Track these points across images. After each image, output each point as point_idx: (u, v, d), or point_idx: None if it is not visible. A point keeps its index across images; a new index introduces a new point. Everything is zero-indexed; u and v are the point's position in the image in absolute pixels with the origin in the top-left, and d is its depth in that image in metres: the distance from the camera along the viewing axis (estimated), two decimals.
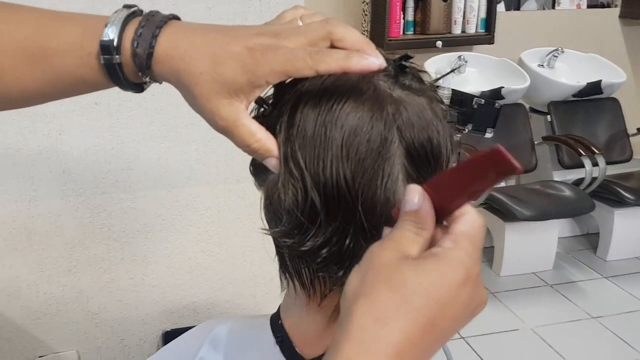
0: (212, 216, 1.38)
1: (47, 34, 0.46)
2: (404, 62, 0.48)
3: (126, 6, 0.46)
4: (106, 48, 0.44)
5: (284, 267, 0.51)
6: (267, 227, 0.50)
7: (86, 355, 1.39)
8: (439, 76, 0.52)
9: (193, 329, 0.65)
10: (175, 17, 0.46)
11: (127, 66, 0.44)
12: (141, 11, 0.46)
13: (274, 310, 0.61)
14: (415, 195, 0.38)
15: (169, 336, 1.41)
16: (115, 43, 0.43)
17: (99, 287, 1.35)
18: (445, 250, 0.37)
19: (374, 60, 0.42)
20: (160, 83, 0.46)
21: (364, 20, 3.21)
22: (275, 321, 0.59)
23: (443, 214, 0.39)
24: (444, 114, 0.48)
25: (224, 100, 0.42)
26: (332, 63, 0.41)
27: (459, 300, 0.36)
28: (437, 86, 0.52)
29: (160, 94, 1.27)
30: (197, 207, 1.36)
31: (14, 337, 1.33)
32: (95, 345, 1.39)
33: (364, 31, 3.23)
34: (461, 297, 0.36)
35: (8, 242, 1.26)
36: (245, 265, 1.44)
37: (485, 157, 0.36)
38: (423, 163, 0.46)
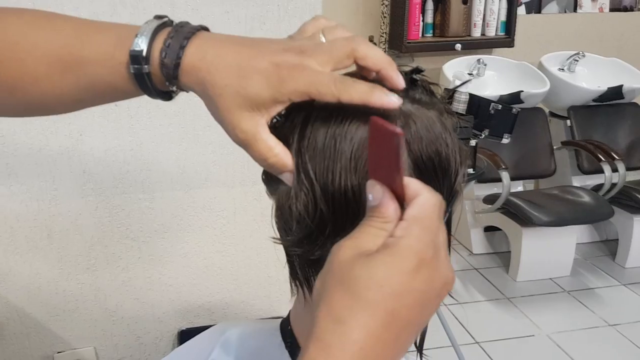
0: (228, 217, 1.39)
1: (82, 42, 0.47)
2: (414, 76, 0.48)
3: (157, 17, 0.47)
4: (135, 58, 0.45)
5: (294, 275, 0.52)
6: (278, 235, 0.51)
7: (103, 352, 1.41)
8: (451, 88, 0.53)
9: (205, 331, 0.66)
10: (204, 28, 0.47)
11: (155, 76, 0.45)
12: (171, 22, 0.47)
13: (287, 311, 0.62)
14: (372, 191, 0.39)
15: (185, 335, 1.43)
16: (144, 53, 0.45)
17: (116, 285, 1.37)
18: (395, 240, 0.37)
19: (394, 100, 0.42)
20: (188, 92, 0.48)
21: (383, 23, 3.21)
22: (285, 327, 0.59)
23: (399, 199, 0.39)
24: (454, 127, 0.49)
25: (245, 114, 0.43)
26: (354, 95, 0.42)
27: (416, 286, 0.36)
28: (450, 97, 0.53)
29: (178, 96, 1.28)
30: (213, 208, 1.38)
31: (33, 333, 1.35)
32: (112, 343, 1.41)
33: (383, 33, 3.23)
34: (417, 283, 0.36)
35: (29, 239, 1.29)
36: (260, 267, 1.45)
37: (370, 132, 0.38)
38: (431, 176, 0.47)
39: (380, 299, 0.35)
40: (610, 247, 3.33)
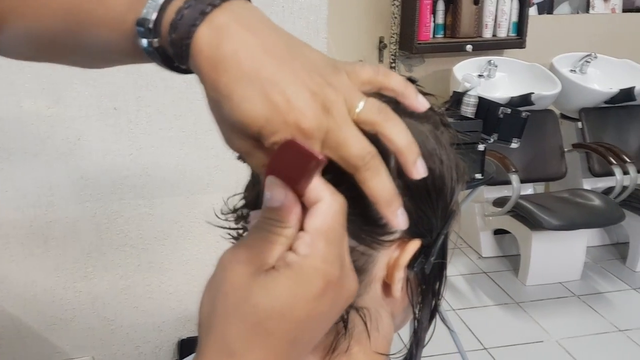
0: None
1: (95, 1, 0.41)
2: None
3: None
4: (143, 29, 0.37)
5: None
6: None
7: None
8: (455, 94, 0.49)
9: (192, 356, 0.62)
10: None
11: (166, 49, 0.38)
12: None
13: None
14: (272, 189, 0.35)
15: (185, 344, 1.40)
16: (151, 24, 0.37)
17: (114, 293, 1.34)
18: (299, 260, 0.33)
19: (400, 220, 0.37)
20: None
21: (394, 23, 3.17)
22: None
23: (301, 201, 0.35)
24: (451, 140, 0.45)
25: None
26: (372, 183, 0.36)
27: (320, 310, 0.34)
28: (453, 104, 0.48)
29: (180, 99, 1.25)
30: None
31: (30, 342, 1.33)
32: (110, 352, 1.38)
33: (393, 34, 3.19)
34: (322, 307, 0.34)
35: (25, 247, 1.26)
36: None
37: (282, 149, 0.33)
38: (423, 197, 0.43)
39: (282, 329, 0.33)
40: (620, 251, 3.28)
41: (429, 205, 0.43)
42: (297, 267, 0.33)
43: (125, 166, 1.26)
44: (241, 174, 1.51)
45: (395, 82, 0.40)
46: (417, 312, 0.47)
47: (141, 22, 0.37)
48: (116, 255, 1.32)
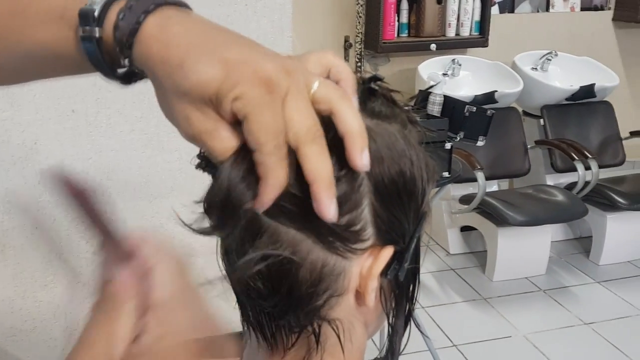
0: None
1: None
2: (373, 85, 0.43)
3: None
4: (85, 17, 0.37)
5: (245, 317, 0.45)
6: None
7: None
8: (421, 92, 0.48)
9: None
10: (187, 7, 0.39)
11: (107, 43, 0.37)
12: None
13: None
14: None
15: None
16: (96, 13, 0.37)
17: (77, 302, 1.30)
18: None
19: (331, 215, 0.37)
20: (140, 77, 0.40)
21: (359, 22, 3.17)
22: None
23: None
24: (420, 138, 0.44)
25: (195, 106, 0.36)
26: (314, 166, 0.36)
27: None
28: (420, 102, 0.47)
29: (141, 100, 1.22)
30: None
31: None
32: None
33: (359, 33, 3.19)
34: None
35: None
36: None
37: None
38: (394, 201, 0.41)
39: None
40: (584, 245, 3.35)
41: (401, 209, 0.42)
42: None
43: (85, 171, 1.22)
44: (206, 177, 1.47)
45: (343, 65, 0.40)
46: (391, 319, 0.45)
47: (86, 11, 0.37)
48: (78, 262, 1.27)
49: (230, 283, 0.43)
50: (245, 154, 0.36)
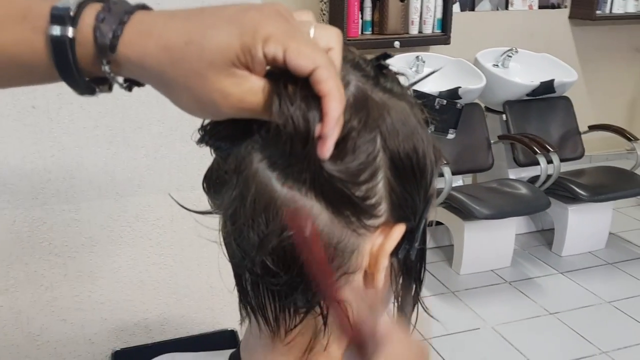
0: (164, 226, 1.29)
1: None
2: (383, 62, 0.41)
3: None
4: (59, 16, 0.34)
5: (245, 300, 0.43)
6: (228, 257, 0.43)
7: None
8: (416, 79, 0.47)
9: None
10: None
11: (81, 46, 0.35)
12: None
13: (232, 324, 0.54)
14: None
15: (119, 356, 1.32)
16: (72, 12, 0.34)
17: (40, 306, 1.24)
18: None
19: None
20: (108, 85, 0.38)
21: (322, 20, 3.17)
22: None
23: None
24: (425, 121, 0.43)
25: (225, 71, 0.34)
26: (328, 87, 0.34)
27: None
28: (415, 90, 0.47)
29: (105, 95, 1.17)
30: (147, 217, 1.28)
31: None
32: None
33: None
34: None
35: None
36: (202, 277, 1.36)
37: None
38: (408, 176, 0.40)
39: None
40: (546, 237, 3.42)
41: (414, 185, 0.41)
42: None
43: (47, 169, 1.17)
44: (174, 174, 1.43)
45: (329, 98, 0.37)
46: (398, 302, 0.44)
47: (58, 12, 0.34)
48: (40, 265, 1.22)
49: (233, 262, 0.41)
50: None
